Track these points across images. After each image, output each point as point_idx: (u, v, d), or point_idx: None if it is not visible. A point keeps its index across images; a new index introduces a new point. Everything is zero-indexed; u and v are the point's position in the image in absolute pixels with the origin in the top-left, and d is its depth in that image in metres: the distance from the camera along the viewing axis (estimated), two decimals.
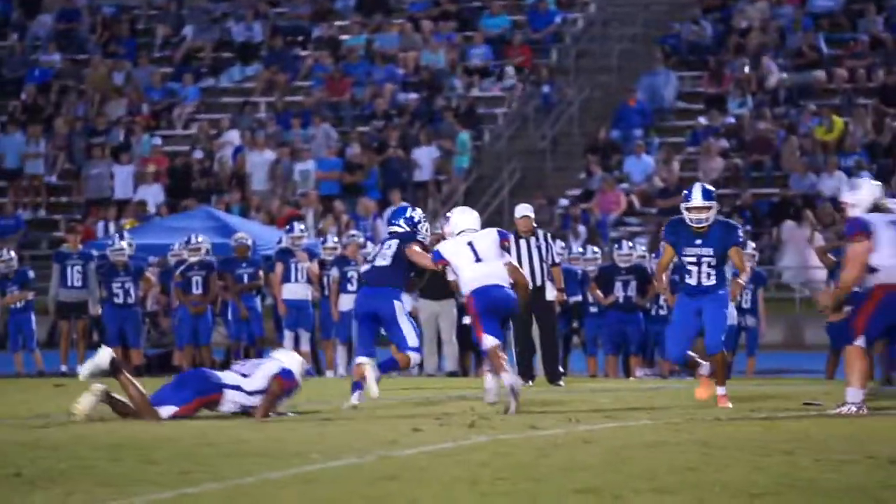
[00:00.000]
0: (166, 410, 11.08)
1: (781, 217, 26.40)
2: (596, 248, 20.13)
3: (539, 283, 15.80)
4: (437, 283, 18.02)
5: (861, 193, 11.19)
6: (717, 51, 30.60)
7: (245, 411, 11.22)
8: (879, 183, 11.45)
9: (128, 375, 11.28)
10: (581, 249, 20.08)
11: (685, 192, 12.05)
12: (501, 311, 12.01)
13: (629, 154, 28.58)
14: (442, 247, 12.37)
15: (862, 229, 10.93)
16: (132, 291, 19.80)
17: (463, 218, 12.58)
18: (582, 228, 26.62)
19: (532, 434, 9.67)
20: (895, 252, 10.88)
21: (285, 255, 19.95)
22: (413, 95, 30.52)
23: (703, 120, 29.00)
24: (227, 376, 11.33)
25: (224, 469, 7.92)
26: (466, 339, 18.86)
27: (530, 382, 15.65)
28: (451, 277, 12.73)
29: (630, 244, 19.10)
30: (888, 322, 10.95)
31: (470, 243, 12.25)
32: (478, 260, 12.15)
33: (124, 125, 31.00)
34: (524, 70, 31.01)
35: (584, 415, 11.13)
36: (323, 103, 30.89)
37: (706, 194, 11.88)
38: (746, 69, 29.62)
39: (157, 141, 30.48)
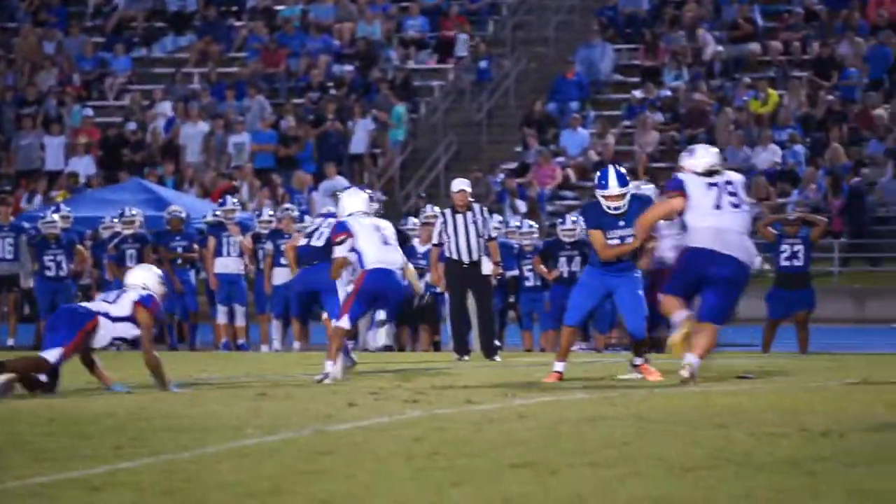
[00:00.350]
0: (52, 354, 11.13)
1: None
2: (533, 223, 20.14)
3: (475, 257, 15.81)
4: None
5: (696, 158, 11.56)
6: (652, 23, 30.66)
7: (118, 345, 11.52)
8: (716, 150, 11.86)
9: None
10: (518, 224, 20.09)
11: (599, 178, 11.94)
12: (389, 299, 12.49)
13: (565, 127, 28.60)
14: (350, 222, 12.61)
15: (678, 188, 11.42)
16: (64, 264, 19.63)
17: (353, 200, 12.84)
18: (520, 203, 26.62)
19: (468, 409, 9.68)
20: (708, 214, 11.32)
21: (217, 228, 19.84)
22: (348, 67, 30.39)
23: (638, 93, 29.06)
24: (93, 305, 11.59)
25: (159, 444, 7.88)
26: (403, 315, 18.84)
27: (466, 357, 15.66)
28: (338, 254, 12.62)
29: (574, 218, 19.15)
30: (689, 279, 11.40)
31: (377, 227, 12.55)
32: (385, 244, 12.44)
33: (55, 95, 30.67)
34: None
35: (519, 389, 11.15)
36: (258, 75, 30.70)
37: (621, 181, 11.85)
38: (682, 41, 29.72)
39: (89, 112, 30.18)
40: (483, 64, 30.21)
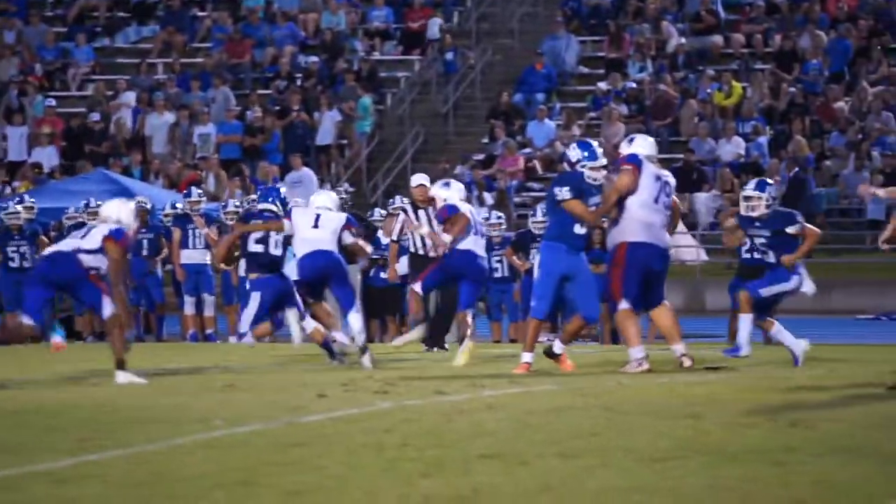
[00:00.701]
0: (108, 306, 11.08)
1: (685, 183, 26.60)
2: (500, 214, 20.13)
3: (440, 252, 15.77)
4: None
5: (637, 146, 12.12)
6: (616, 15, 30.70)
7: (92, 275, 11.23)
8: (653, 140, 12.40)
9: None
10: (486, 215, 20.09)
11: (584, 150, 12.11)
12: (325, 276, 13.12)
13: (532, 119, 28.61)
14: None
15: (634, 161, 11.94)
16: (28, 255, 19.52)
17: (320, 198, 13.56)
18: (487, 195, 26.61)
19: (438, 400, 9.67)
20: (646, 205, 11.84)
21: (183, 220, 19.77)
22: (314, 58, 30.31)
23: (603, 85, 29.09)
24: (64, 245, 11.41)
25: (126, 435, 7.84)
26: (371, 305, 18.81)
27: (437, 350, 15.63)
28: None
29: (544, 210, 19.14)
30: (640, 280, 11.89)
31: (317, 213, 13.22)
32: (315, 226, 13.06)
33: (16, 85, 30.48)
34: (425, 34, 30.92)
35: (488, 380, 11.15)
36: (222, 65, 30.59)
37: (601, 153, 12.18)
38: (646, 34, 29.77)
39: (52, 102, 30.00)
40: (449, 55, 30.19)
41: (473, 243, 14.01)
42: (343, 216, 13.56)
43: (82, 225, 19.77)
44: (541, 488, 6.11)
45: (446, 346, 15.73)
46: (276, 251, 13.13)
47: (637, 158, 11.99)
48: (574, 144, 12.42)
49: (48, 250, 11.62)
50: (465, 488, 6.09)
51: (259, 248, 13.16)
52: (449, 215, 13.98)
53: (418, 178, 16.18)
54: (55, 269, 11.18)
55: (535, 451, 7.09)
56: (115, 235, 11.18)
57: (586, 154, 12.06)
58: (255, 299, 13.09)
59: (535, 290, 12.16)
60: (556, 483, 6.22)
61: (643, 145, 12.17)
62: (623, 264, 11.86)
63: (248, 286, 13.57)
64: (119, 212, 11.45)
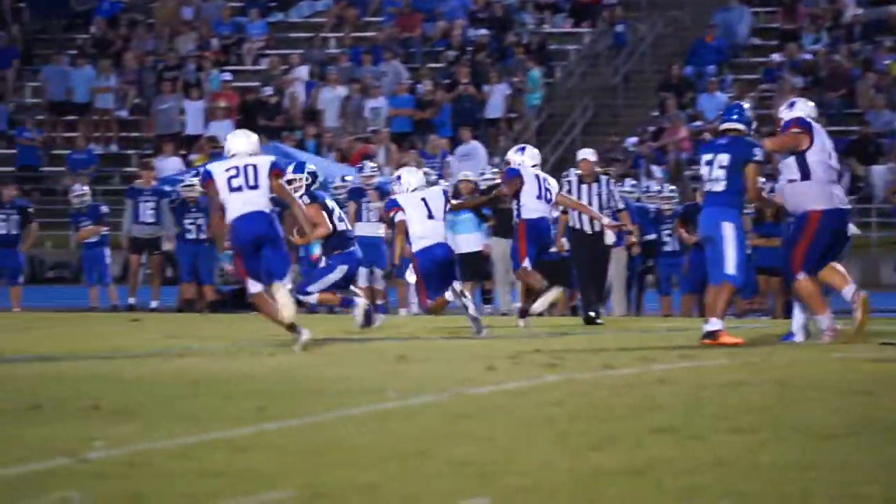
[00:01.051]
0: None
1: (861, 155, 26.10)
2: (673, 187, 19.99)
3: (598, 228, 15.82)
4: (509, 222, 17.94)
5: (798, 110, 12.05)
6: None
7: None
8: (813, 104, 12.28)
9: None
10: (659, 188, 19.94)
11: (725, 114, 12.08)
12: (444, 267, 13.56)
13: (702, 91, 28.31)
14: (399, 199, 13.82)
15: (806, 125, 11.80)
16: (204, 227, 19.92)
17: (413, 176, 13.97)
18: (655, 168, 26.41)
19: (607, 373, 9.66)
20: (827, 162, 11.75)
21: (357, 193, 19.98)
22: (483, 31, 30.36)
23: (776, 56, 28.65)
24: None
25: (301, 405, 7.97)
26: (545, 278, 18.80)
27: (599, 321, 15.63)
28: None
29: None
30: (824, 245, 11.75)
31: (424, 199, 13.63)
32: (430, 217, 13.55)
33: (194, 60, 31.03)
34: (596, 6, 30.77)
35: (659, 354, 11.10)
36: (394, 39, 30.79)
37: None
38: (821, 4, 29.22)
39: (227, 76, 30.51)
40: (619, 28, 30.01)
41: (537, 207, 14.44)
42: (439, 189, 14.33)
43: None
44: (714, 462, 6.08)
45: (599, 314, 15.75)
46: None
47: (807, 121, 11.81)
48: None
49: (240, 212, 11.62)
50: (637, 462, 6.09)
51: (343, 227, 14.25)
52: (507, 178, 14.29)
53: (583, 154, 16.28)
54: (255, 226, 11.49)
55: (707, 425, 7.05)
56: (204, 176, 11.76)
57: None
58: (341, 271, 14.13)
59: (736, 256, 11.81)
60: (730, 457, 6.19)
61: (804, 108, 11.98)
62: (812, 237, 11.66)
63: (328, 262, 14.31)
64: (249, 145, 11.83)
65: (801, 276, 11.74)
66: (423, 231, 13.48)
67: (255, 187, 11.45)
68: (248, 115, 29.59)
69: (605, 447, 6.46)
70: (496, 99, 28.83)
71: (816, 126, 11.89)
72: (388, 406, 7.94)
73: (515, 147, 15.27)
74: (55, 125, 30.76)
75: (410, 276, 13.95)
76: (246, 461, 6.19)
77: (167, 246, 20.72)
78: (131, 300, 20.52)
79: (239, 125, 29.43)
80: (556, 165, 26.96)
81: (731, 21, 29.66)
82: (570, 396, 8.27)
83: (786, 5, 29.51)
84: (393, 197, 13.84)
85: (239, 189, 11.45)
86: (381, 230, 19.83)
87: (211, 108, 29.76)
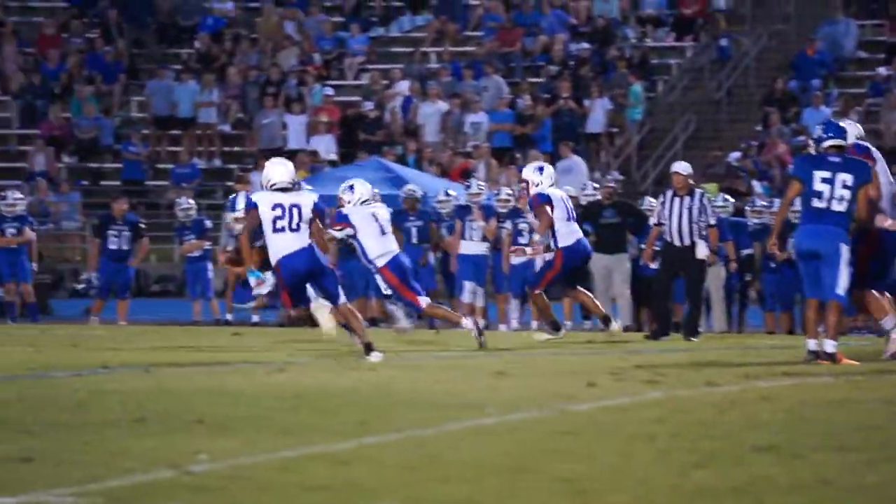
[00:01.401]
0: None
1: None
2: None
3: (687, 242, 15.77)
4: (610, 238, 17.98)
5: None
6: None
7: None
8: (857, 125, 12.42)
9: None
10: (766, 203, 19.76)
11: (828, 130, 11.74)
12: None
13: (807, 105, 28.03)
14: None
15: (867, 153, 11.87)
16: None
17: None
18: (756, 183, 26.16)
19: (709, 390, 9.58)
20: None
21: (463, 211, 20.02)
22: (585, 45, 30.28)
23: (884, 70, 28.30)
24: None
25: (402, 420, 7.98)
26: (641, 293, 18.73)
27: (665, 338, 15.57)
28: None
29: None
30: None
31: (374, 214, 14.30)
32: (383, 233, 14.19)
33: (296, 75, 31.25)
34: (699, 20, 30.59)
35: (761, 371, 10.98)
36: (494, 54, 30.81)
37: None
38: None
39: (329, 91, 30.68)
40: (722, 41, 29.80)
41: (570, 230, 14.57)
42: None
43: None
44: (818, 482, 6.00)
45: (667, 336, 15.65)
46: None
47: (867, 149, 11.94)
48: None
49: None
50: (739, 480, 6.02)
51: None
52: (539, 205, 14.15)
53: (675, 166, 16.29)
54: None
55: (811, 444, 6.97)
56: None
57: (830, 133, 11.72)
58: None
59: (848, 279, 11.59)
60: (834, 476, 6.10)
61: (853, 131, 12.01)
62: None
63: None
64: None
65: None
66: (381, 247, 14.10)
67: (297, 230, 12.28)
68: (349, 130, 29.74)
69: (706, 465, 6.40)
70: (597, 114, 28.73)
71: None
72: (487, 422, 7.93)
73: (533, 166, 15.31)
74: (160, 139, 31.13)
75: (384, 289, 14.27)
76: (346, 475, 6.21)
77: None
78: (228, 316, 20.66)
79: (340, 140, 29.66)
80: (657, 181, 26.83)
81: (836, 34, 29.34)
82: (672, 413, 8.21)
83: (893, 18, 29.14)
84: (343, 211, 14.03)
85: (282, 230, 12.25)
86: (484, 248, 19.84)
87: (312, 122, 29.92)
